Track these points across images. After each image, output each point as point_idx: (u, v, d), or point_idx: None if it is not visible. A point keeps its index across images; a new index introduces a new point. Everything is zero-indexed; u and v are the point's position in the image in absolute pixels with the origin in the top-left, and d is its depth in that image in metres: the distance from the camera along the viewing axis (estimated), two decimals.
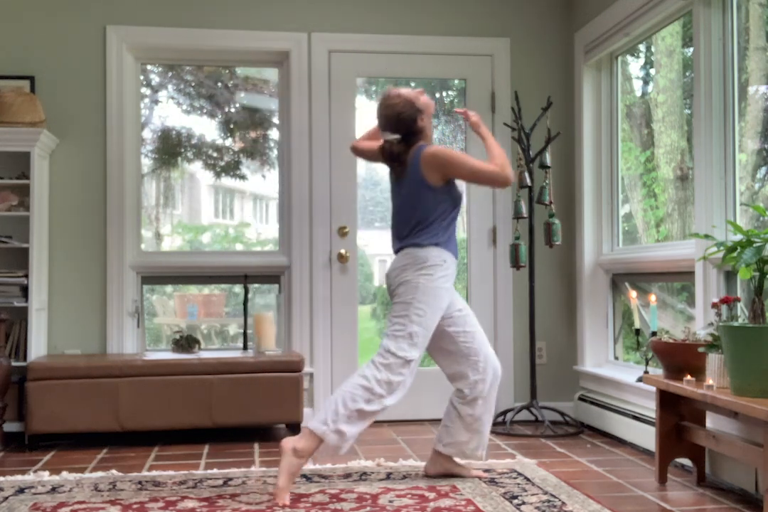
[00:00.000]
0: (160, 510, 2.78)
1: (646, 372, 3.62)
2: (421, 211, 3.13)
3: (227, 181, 5.05)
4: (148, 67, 4.71)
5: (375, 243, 4.89)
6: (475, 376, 3.16)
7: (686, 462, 3.30)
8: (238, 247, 5.03)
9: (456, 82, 4.84)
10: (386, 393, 3.02)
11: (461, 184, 3.36)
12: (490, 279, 4.64)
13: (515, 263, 4.32)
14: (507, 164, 3.08)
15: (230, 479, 3.19)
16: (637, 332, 3.76)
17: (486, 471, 3.29)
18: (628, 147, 4.45)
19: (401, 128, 3.16)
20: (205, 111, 4.83)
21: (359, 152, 3.50)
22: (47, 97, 4.30)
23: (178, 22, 4.44)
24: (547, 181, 4.28)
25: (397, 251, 3.20)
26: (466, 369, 3.16)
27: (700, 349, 2.95)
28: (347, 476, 3.23)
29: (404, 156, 3.18)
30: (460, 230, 4.93)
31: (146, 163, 4.71)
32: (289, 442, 2.91)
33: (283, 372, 4.00)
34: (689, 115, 3.87)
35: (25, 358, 4.04)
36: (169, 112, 4.81)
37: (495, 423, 4.32)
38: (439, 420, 4.51)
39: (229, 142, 4.90)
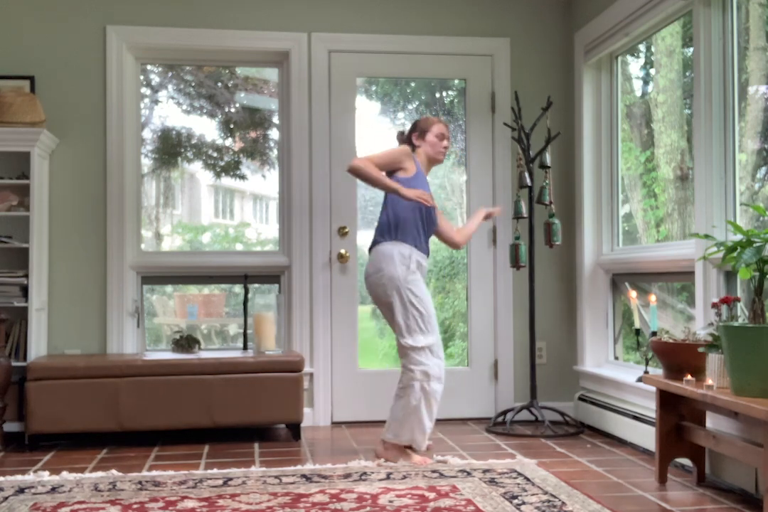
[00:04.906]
0: (160, 510, 2.78)
1: (646, 372, 3.62)
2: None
3: (227, 181, 5.05)
4: (148, 67, 4.71)
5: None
6: None
7: (686, 462, 3.30)
8: (238, 247, 5.03)
9: (456, 82, 4.84)
10: None
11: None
12: (490, 279, 4.64)
13: (515, 263, 4.32)
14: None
15: (230, 479, 3.19)
16: (637, 332, 3.76)
17: (486, 471, 3.29)
18: (628, 147, 4.45)
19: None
20: (205, 111, 4.83)
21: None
22: (47, 97, 4.30)
23: (178, 22, 4.44)
24: (547, 181, 4.28)
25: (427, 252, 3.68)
26: None
27: (700, 349, 2.95)
28: (347, 476, 3.23)
29: None
30: None
31: (146, 163, 4.71)
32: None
33: (283, 372, 4.00)
34: (689, 115, 3.87)
35: (25, 358, 4.05)
36: (169, 112, 4.81)
37: (495, 423, 4.33)
38: (436, 420, 4.51)
39: (229, 142, 4.90)
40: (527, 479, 3.15)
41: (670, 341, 3.14)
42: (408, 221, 3.56)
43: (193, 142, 4.81)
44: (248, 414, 3.95)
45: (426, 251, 3.65)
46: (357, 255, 4.57)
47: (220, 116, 4.84)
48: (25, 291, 4.05)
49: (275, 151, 4.80)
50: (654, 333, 3.48)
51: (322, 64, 4.55)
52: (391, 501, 2.84)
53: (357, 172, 3.46)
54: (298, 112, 4.52)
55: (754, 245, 2.67)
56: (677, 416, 3.18)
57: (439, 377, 3.49)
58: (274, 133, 4.85)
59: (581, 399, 4.44)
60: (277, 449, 3.83)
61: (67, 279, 4.32)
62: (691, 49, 3.60)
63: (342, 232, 4.53)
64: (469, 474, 3.25)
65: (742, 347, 2.64)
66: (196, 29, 4.45)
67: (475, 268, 4.64)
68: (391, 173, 3.59)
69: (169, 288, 4.93)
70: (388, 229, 3.56)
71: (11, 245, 4.10)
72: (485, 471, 3.29)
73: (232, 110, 4.86)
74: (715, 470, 3.17)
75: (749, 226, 3.33)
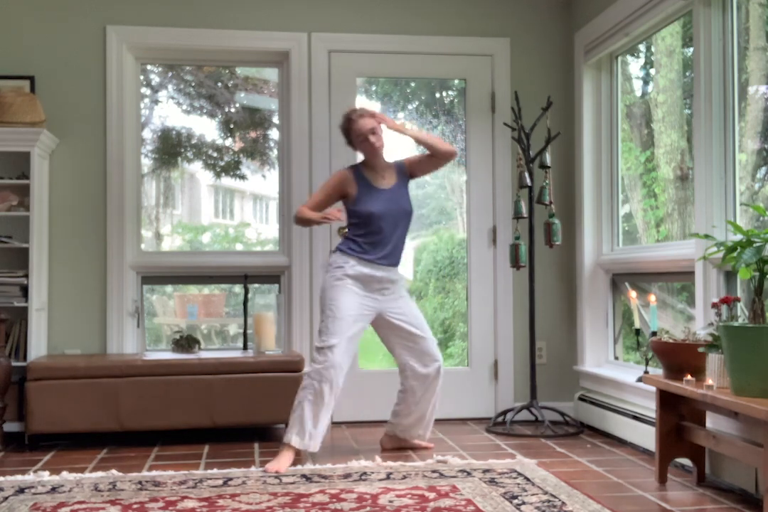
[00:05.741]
0: (160, 510, 2.78)
1: (646, 372, 3.63)
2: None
3: (227, 181, 5.05)
4: (148, 67, 4.71)
5: None
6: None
7: (686, 462, 3.30)
8: (238, 247, 5.03)
9: (456, 82, 4.84)
10: None
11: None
12: (490, 279, 4.64)
13: (515, 263, 4.32)
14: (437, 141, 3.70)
15: (230, 479, 3.19)
16: (637, 332, 3.76)
17: (486, 471, 3.29)
18: (628, 147, 4.45)
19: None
20: (205, 111, 4.83)
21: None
22: (47, 97, 4.30)
23: (178, 22, 4.44)
24: (547, 181, 4.28)
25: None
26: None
27: (700, 349, 2.95)
28: (347, 476, 3.23)
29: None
30: (460, 229, 4.93)
31: (146, 163, 4.71)
32: None
33: (283, 372, 4.00)
34: (689, 115, 3.87)
35: (25, 358, 4.05)
36: (169, 112, 4.81)
37: (495, 423, 4.33)
38: (436, 420, 4.52)
39: (229, 142, 4.90)
40: (527, 479, 3.15)
41: (670, 341, 3.14)
42: (358, 235, 3.63)
43: (193, 142, 4.81)
44: (248, 414, 3.95)
45: (382, 260, 3.61)
46: None
47: (220, 116, 4.84)
48: (25, 291, 4.05)
49: (275, 151, 4.80)
50: (654, 333, 3.48)
51: (322, 64, 4.55)
52: (391, 501, 2.84)
53: (296, 223, 3.74)
54: (298, 112, 4.52)
55: (754, 245, 2.67)
56: (677, 416, 3.18)
57: (331, 380, 3.44)
58: (274, 133, 4.85)
59: (581, 399, 4.43)
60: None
61: (67, 279, 4.32)
62: (691, 49, 3.60)
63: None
64: (469, 474, 3.25)
65: (742, 347, 2.64)
66: (196, 29, 4.44)
67: (475, 268, 4.64)
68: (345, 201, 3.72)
69: (169, 288, 4.93)
70: (340, 240, 3.74)
71: (11, 245, 4.10)
72: (485, 471, 3.29)
73: (232, 110, 4.86)
74: (715, 470, 3.17)
75: (749, 226, 3.33)
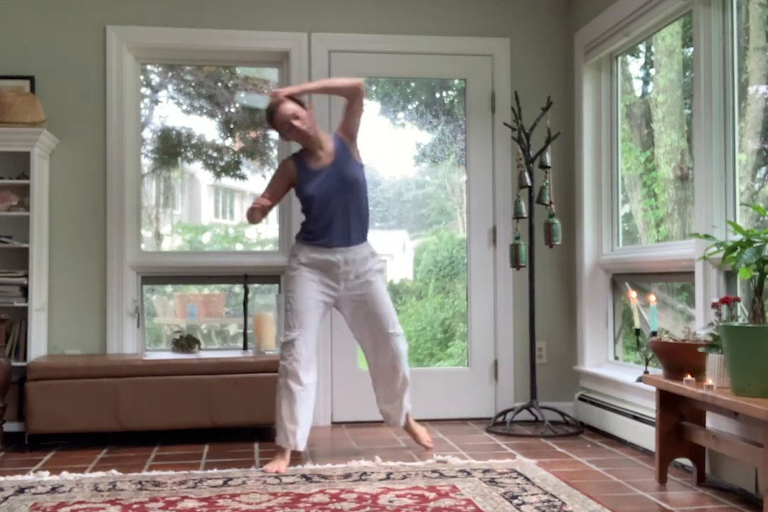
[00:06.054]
0: (160, 510, 2.78)
1: (646, 372, 3.63)
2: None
3: (227, 181, 5.05)
4: (148, 67, 4.71)
5: (373, 242, 4.88)
6: None
7: (686, 462, 3.30)
8: (238, 247, 5.03)
9: (456, 82, 4.84)
10: None
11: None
12: (490, 279, 4.64)
13: (515, 263, 4.32)
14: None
15: (230, 479, 3.19)
16: (637, 332, 3.76)
17: (486, 471, 3.29)
18: (628, 147, 4.45)
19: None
20: (205, 111, 4.83)
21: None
22: (47, 97, 4.30)
23: (178, 22, 4.44)
24: (547, 181, 4.28)
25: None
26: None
27: (700, 349, 2.95)
28: (347, 476, 3.23)
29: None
30: (460, 229, 4.93)
31: (146, 163, 4.71)
32: None
33: None
34: (689, 115, 3.87)
35: (25, 358, 4.05)
36: (169, 112, 4.81)
37: (495, 423, 4.33)
38: (436, 420, 4.53)
39: (229, 142, 4.90)
40: (527, 479, 3.15)
41: (670, 341, 3.14)
42: (309, 221, 3.60)
43: (193, 142, 4.81)
44: (248, 414, 3.95)
45: (337, 241, 3.55)
46: None
47: (220, 116, 4.84)
48: (25, 291, 4.05)
49: (275, 151, 4.80)
50: (654, 333, 3.48)
51: (322, 64, 4.55)
52: (391, 501, 2.84)
53: (248, 221, 3.58)
54: None
55: (754, 245, 2.67)
56: (677, 416, 3.18)
57: (296, 374, 3.41)
58: (274, 133, 4.85)
59: (581, 399, 4.43)
60: (275, 449, 3.83)
61: (67, 279, 4.32)
62: (691, 49, 3.60)
63: None
64: (469, 474, 3.25)
65: (742, 347, 2.64)
66: (196, 29, 4.44)
67: (475, 268, 4.64)
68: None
69: (169, 288, 4.93)
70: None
71: (11, 245, 4.10)
72: (485, 471, 3.29)
73: (232, 110, 4.86)
74: (715, 470, 3.17)
75: (749, 226, 3.33)
